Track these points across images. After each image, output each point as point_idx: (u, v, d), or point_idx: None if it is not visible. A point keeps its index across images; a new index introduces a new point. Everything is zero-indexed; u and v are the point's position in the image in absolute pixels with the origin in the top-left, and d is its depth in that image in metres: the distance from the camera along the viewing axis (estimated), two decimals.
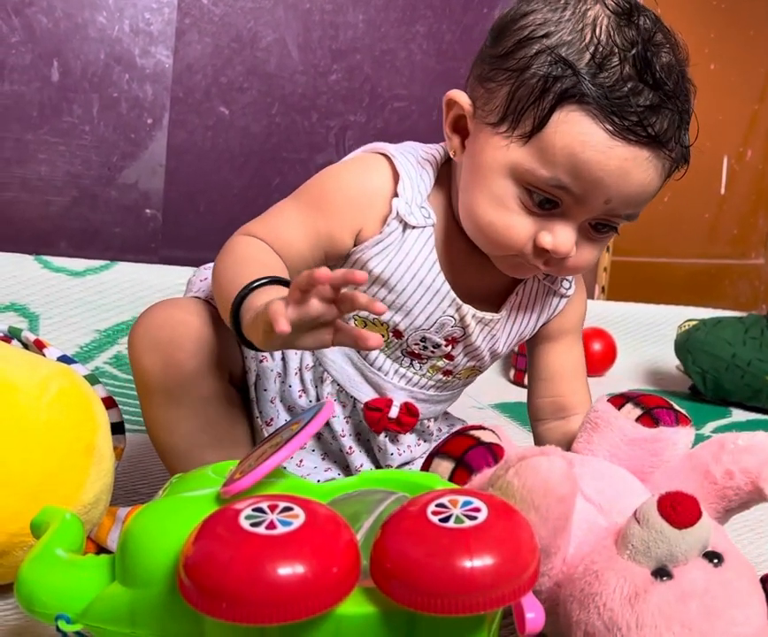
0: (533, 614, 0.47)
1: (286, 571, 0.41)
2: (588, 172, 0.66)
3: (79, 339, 1.39)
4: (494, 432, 0.66)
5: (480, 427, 0.67)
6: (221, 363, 0.75)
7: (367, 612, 0.45)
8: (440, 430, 0.90)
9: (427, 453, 0.68)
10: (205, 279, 0.83)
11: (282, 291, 0.62)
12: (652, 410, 0.70)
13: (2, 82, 1.36)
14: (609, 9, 0.67)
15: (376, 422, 0.81)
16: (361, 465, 0.83)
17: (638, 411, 0.70)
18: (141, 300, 1.44)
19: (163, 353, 0.72)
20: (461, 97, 0.73)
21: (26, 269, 1.36)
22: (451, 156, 0.75)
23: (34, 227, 1.42)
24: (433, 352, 0.81)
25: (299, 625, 0.43)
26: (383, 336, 0.79)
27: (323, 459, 0.85)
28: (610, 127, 0.64)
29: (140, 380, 0.75)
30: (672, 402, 0.72)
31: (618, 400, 0.72)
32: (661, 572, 0.52)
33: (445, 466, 0.64)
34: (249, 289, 0.64)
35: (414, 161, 0.77)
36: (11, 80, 1.37)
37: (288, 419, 0.82)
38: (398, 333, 0.79)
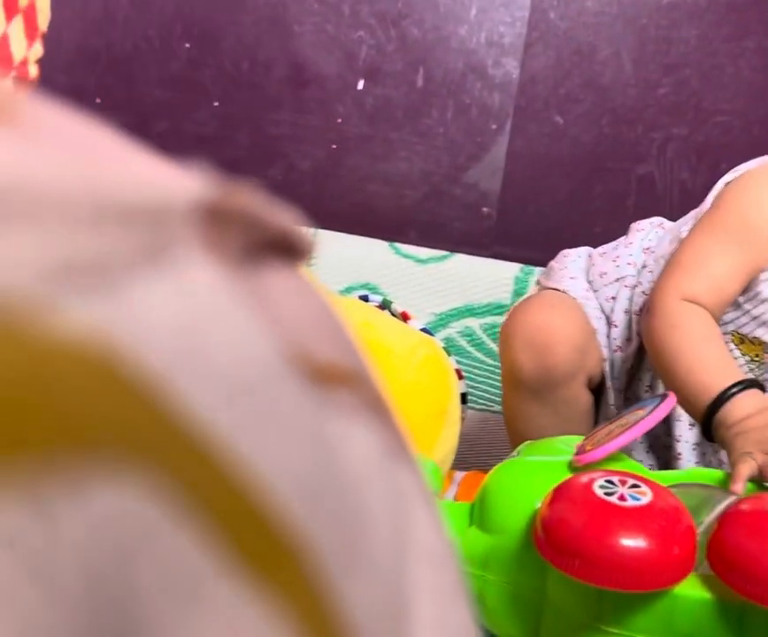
0: None
1: (634, 542, 0.46)
2: None
3: (417, 320, 1.52)
4: None
5: None
6: (585, 368, 0.80)
7: (703, 597, 0.48)
8: None
9: None
10: (564, 268, 0.88)
11: (757, 395, 0.68)
12: None
13: (375, 86, 1.53)
14: None
15: None
16: None
17: None
18: (470, 289, 1.54)
19: (538, 354, 0.77)
20: None
21: (380, 254, 1.52)
22: None
23: (389, 217, 1.58)
24: None
25: (636, 596, 0.47)
26: (757, 356, 0.80)
27: (647, 452, 0.87)
28: None
29: (509, 373, 0.81)
30: None
31: None
32: None
33: None
34: (725, 397, 0.68)
35: None
36: (384, 85, 1.53)
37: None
38: None
